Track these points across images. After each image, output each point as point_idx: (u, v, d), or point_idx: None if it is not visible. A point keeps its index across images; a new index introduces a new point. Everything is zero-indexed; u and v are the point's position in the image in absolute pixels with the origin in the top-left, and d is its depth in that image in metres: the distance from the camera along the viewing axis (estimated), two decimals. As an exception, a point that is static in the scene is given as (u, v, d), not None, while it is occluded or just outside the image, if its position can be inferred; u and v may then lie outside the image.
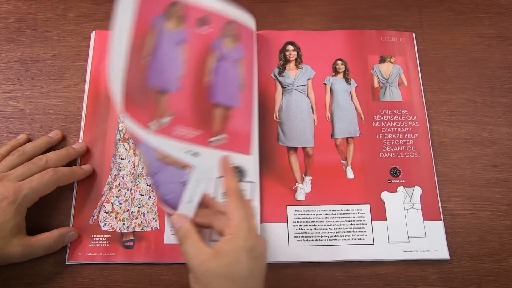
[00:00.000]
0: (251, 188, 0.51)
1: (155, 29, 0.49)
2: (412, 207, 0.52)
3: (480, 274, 0.50)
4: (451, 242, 0.51)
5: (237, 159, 0.50)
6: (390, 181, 0.53)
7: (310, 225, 0.51)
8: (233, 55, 0.53)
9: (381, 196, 0.52)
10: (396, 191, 0.52)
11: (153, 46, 0.49)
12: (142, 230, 0.50)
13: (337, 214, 0.51)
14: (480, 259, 0.50)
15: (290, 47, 0.59)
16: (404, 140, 0.55)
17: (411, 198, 0.52)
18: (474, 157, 0.55)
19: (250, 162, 0.51)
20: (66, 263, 0.48)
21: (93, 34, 0.59)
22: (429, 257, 0.50)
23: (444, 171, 0.54)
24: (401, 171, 0.53)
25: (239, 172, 0.50)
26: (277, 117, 0.56)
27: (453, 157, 0.55)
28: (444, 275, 0.49)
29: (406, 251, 0.50)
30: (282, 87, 0.57)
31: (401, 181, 0.53)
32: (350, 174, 0.53)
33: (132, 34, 0.47)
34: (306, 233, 0.50)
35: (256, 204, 0.51)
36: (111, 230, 0.50)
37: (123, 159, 0.54)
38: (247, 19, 0.56)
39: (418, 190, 0.52)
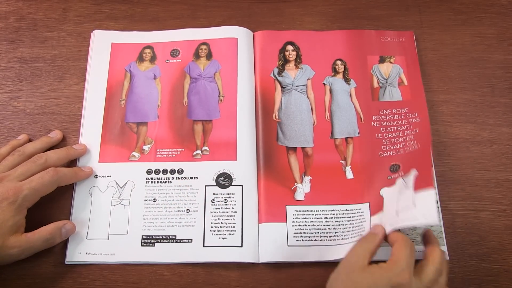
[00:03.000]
0: (241, 191, 0.52)
1: (129, 74, 0.58)
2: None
3: (480, 274, 0.49)
4: (451, 242, 0.50)
5: (223, 165, 0.53)
6: (390, 177, 0.53)
7: (309, 225, 0.51)
8: (208, 71, 0.57)
9: (380, 193, 0.52)
10: (394, 184, 0.52)
11: (128, 89, 0.57)
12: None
13: (336, 214, 0.51)
14: (480, 259, 0.50)
15: (289, 47, 0.59)
16: (404, 138, 0.55)
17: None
18: (474, 157, 0.55)
19: (236, 166, 0.53)
20: (66, 262, 0.48)
21: (93, 34, 0.60)
22: (428, 257, 0.50)
23: (444, 171, 0.54)
24: (400, 166, 0.53)
25: (226, 178, 0.52)
26: (276, 117, 0.56)
27: (453, 157, 0.55)
28: (444, 275, 0.49)
29: None
30: (282, 87, 0.57)
31: (400, 173, 0.53)
32: (350, 174, 0.53)
33: (108, 84, 0.57)
34: (305, 233, 0.50)
35: (254, 205, 0.52)
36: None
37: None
38: (227, 31, 0.59)
39: (414, 173, 0.51)
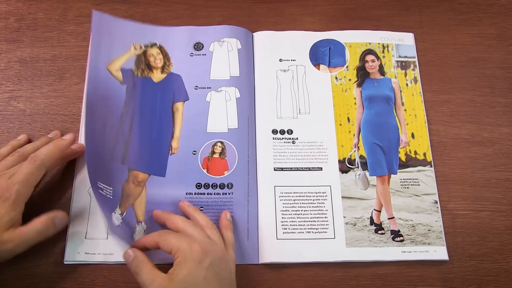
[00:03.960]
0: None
1: None
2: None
3: (480, 274, 0.49)
4: (451, 242, 0.50)
5: None
6: None
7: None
8: None
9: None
10: None
11: None
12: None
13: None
14: (480, 259, 0.50)
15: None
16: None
17: None
18: (474, 157, 0.55)
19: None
20: (65, 262, 0.48)
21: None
22: (428, 257, 0.49)
23: (444, 171, 0.54)
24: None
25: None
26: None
27: (453, 157, 0.55)
28: (444, 275, 0.49)
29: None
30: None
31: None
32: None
33: None
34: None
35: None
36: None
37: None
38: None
39: None
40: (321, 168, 0.53)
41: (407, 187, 0.53)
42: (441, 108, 0.57)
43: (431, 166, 0.54)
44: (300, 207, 0.51)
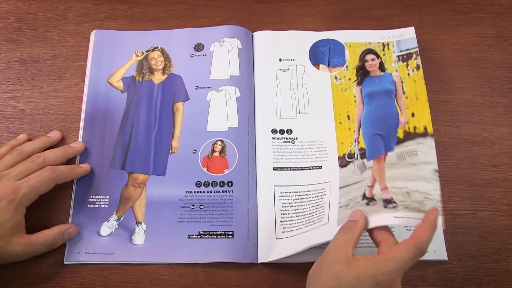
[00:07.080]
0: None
1: None
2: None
3: (480, 274, 0.49)
4: (451, 242, 0.50)
5: None
6: None
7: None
8: None
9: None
10: None
11: None
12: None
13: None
14: (480, 259, 0.50)
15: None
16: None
17: None
18: (474, 157, 0.55)
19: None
20: (65, 262, 0.48)
21: (92, 34, 0.59)
22: (427, 257, 0.49)
23: (444, 171, 0.54)
24: None
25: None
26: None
27: (453, 157, 0.55)
28: (444, 275, 0.49)
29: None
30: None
31: None
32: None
33: None
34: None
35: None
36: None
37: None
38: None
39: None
40: (321, 166, 0.53)
41: (404, 159, 0.50)
42: (441, 108, 0.57)
43: (432, 138, 0.50)
44: (300, 206, 0.51)
